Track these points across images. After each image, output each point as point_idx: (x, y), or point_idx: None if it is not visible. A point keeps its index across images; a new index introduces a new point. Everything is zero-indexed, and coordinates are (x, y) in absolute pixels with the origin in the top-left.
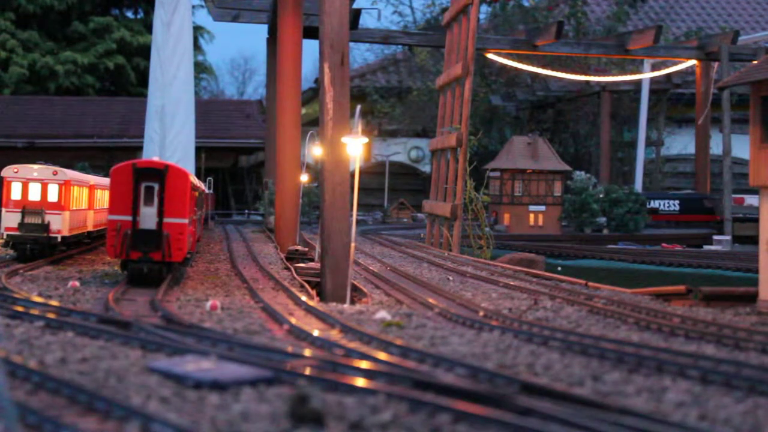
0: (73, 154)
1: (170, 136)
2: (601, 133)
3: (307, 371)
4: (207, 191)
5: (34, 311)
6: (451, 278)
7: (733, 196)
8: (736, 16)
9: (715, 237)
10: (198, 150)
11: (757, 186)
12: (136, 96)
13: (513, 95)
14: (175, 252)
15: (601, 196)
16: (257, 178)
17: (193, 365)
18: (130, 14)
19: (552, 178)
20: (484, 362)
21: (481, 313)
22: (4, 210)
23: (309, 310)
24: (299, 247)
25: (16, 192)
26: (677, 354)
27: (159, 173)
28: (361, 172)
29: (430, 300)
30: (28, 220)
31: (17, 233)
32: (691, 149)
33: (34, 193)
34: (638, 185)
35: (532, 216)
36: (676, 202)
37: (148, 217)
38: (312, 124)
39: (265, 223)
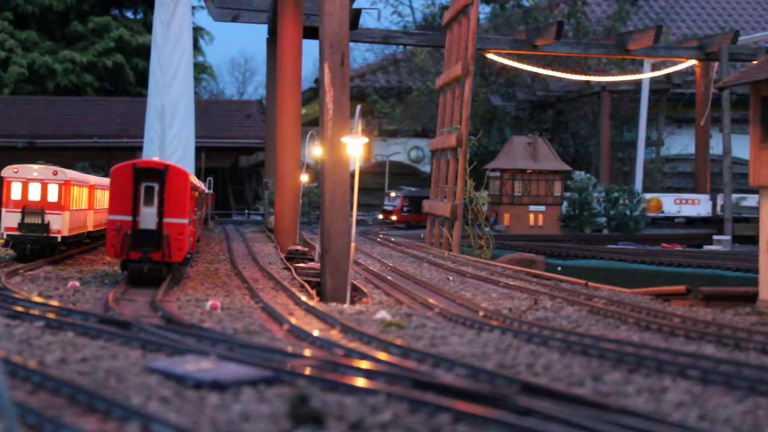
0: (73, 154)
1: (170, 136)
2: (601, 133)
3: (307, 371)
4: (207, 191)
5: (34, 311)
6: (451, 278)
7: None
8: (736, 16)
9: (715, 237)
10: (198, 150)
11: (757, 186)
12: (135, 96)
13: (513, 95)
14: (175, 252)
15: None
16: (257, 178)
17: (193, 365)
18: (129, 14)
19: (552, 178)
20: (484, 362)
21: (481, 313)
22: (4, 210)
23: (309, 310)
24: (299, 247)
25: (16, 192)
26: (677, 354)
27: (159, 173)
28: (361, 172)
29: (430, 300)
30: (28, 220)
31: (17, 233)
32: (691, 149)
33: (34, 193)
34: (638, 185)
35: (532, 216)
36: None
37: (148, 217)
38: (312, 124)
39: (265, 223)
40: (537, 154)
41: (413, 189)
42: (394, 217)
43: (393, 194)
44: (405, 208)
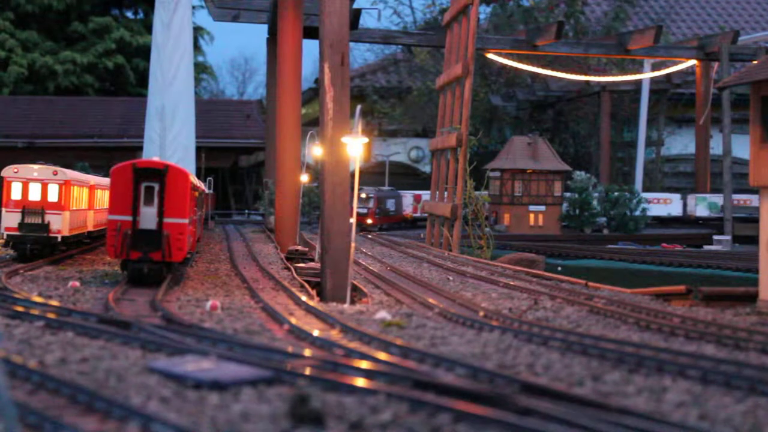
0: (73, 154)
1: (170, 136)
2: (601, 133)
3: (307, 371)
4: (207, 191)
5: (34, 311)
6: (451, 278)
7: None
8: (736, 16)
9: (715, 237)
10: (198, 150)
11: (757, 186)
12: (136, 96)
13: (513, 95)
14: (175, 252)
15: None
16: (257, 178)
17: (193, 365)
18: (130, 14)
19: (552, 178)
20: (484, 362)
21: (481, 313)
22: (4, 210)
23: (309, 310)
24: (299, 247)
25: (16, 192)
26: (677, 354)
27: (159, 173)
28: (361, 172)
29: (430, 300)
30: (29, 220)
31: (17, 233)
32: (691, 149)
33: (34, 193)
34: (638, 185)
35: (532, 216)
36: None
37: (148, 217)
38: (312, 124)
39: (265, 223)
40: (537, 154)
41: (382, 189)
42: (369, 221)
43: (363, 195)
44: (378, 210)
